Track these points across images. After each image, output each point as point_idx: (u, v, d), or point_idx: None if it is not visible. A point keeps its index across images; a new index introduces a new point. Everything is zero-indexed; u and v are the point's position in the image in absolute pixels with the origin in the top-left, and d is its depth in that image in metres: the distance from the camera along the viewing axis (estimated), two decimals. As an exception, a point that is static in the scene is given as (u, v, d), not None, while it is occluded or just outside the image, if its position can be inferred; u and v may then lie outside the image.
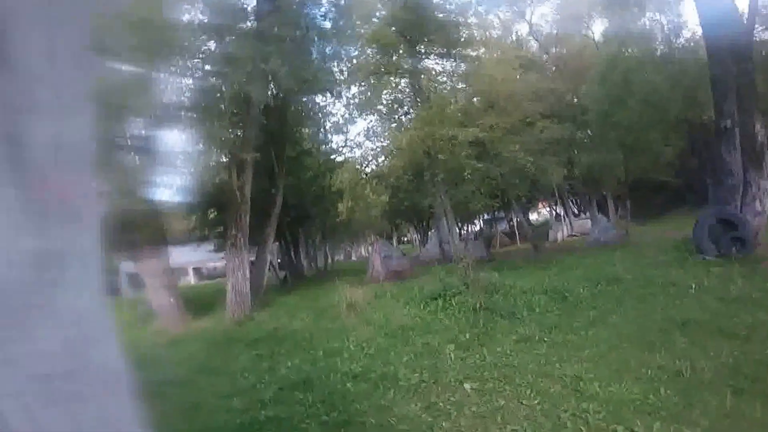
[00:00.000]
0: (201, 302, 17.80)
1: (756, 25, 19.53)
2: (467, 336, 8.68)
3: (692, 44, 20.62)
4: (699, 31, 16.34)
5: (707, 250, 12.49)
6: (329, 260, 42.14)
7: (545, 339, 7.92)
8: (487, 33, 29.74)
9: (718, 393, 4.93)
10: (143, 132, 14.15)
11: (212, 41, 15.18)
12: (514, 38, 35.82)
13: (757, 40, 21.54)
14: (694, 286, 9.60)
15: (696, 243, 12.96)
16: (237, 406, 6.39)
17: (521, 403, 5.45)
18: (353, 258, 57.83)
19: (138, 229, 14.33)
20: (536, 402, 5.40)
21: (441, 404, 5.67)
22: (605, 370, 6.07)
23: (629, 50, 20.32)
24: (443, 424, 5.11)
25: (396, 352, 8.26)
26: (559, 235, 35.78)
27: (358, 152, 25.00)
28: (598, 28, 34.20)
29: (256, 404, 6.37)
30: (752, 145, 12.80)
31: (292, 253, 30.97)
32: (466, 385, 6.13)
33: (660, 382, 5.48)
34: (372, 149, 24.32)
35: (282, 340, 10.72)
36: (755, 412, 4.42)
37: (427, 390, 6.20)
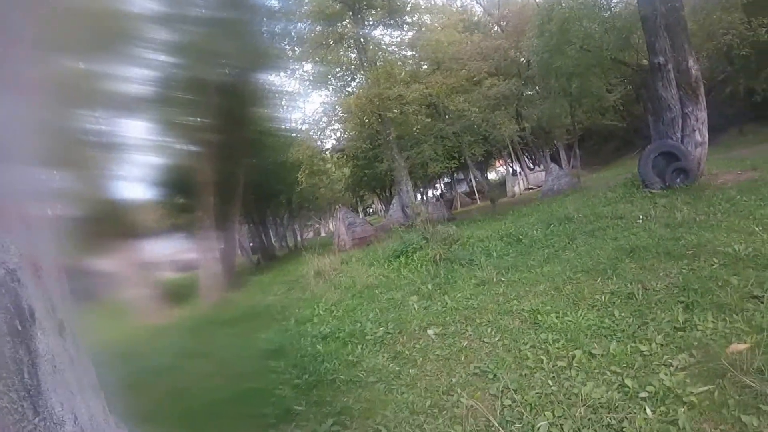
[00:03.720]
0: (178, 292, 17.51)
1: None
2: (429, 287, 8.56)
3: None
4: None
5: (653, 183, 12.48)
6: (298, 238, 41.91)
7: (503, 279, 7.83)
8: (432, 1, 29.48)
9: (670, 309, 4.85)
10: (102, 125, 13.66)
11: (162, 29, 14.69)
12: (458, 4, 35.57)
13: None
14: (641, 217, 9.56)
15: (642, 178, 12.93)
16: (217, 384, 6.18)
17: (483, 341, 5.36)
18: (322, 234, 57.79)
19: (108, 226, 13.93)
20: (497, 339, 5.31)
21: (407, 352, 5.58)
22: (561, 302, 5.98)
23: (564, 2, 20.13)
24: (410, 371, 5.00)
25: (362, 310, 8.15)
26: (516, 189, 35.99)
27: (316, 128, 24.62)
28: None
29: (234, 379, 6.16)
30: (687, 79, 12.74)
31: (263, 234, 30.65)
32: (430, 331, 6.02)
33: (614, 306, 5.41)
34: (328, 123, 23.99)
35: (256, 316, 10.55)
36: (707, 323, 4.33)
37: (393, 341, 6.10)
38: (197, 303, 15.09)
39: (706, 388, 3.36)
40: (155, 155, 16.84)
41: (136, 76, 14.58)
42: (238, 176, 20.01)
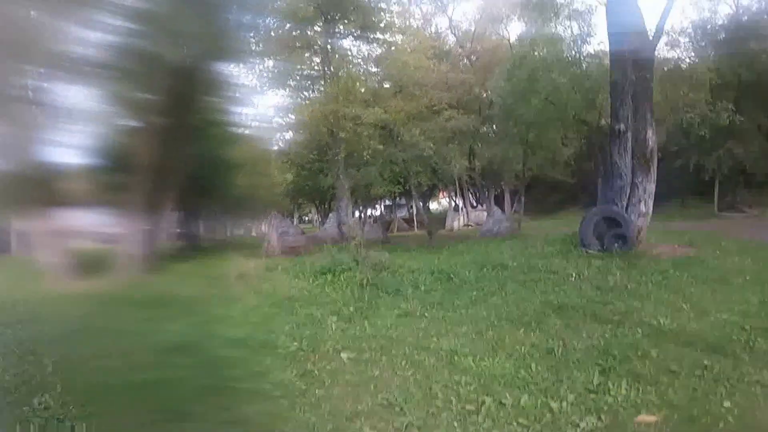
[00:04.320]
0: (95, 265, 16.95)
1: (662, 43, 20.53)
2: (351, 309, 8.50)
3: (598, 53, 21.20)
4: (606, 41, 16.81)
5: (591, 244, 12.85)
6: (228, 233, 41.26)
7: (426, 315, 7.86)
8: (407, 21, 29.74)
9: (587, 371, 4.95)
10: (43, 84, 13.16)
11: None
12: (432, 30, 36.00)
13: (660, 56, 22.65)
14: (574, 275, 9.82)
15: (581, 237, 13.30)
16: (114, 367, 5.94)
17: (396, 373, 5.33)
18: (253, 233, 57.00)
19: (33, 187, 13.39)
20: (410, 373, 5.29)
21: (317, 372, 5.47)
22: (480, 346, 6.02)
23: (538, 51, 20.65)
24: (316, 391, 4.91)
25: (279, 321, 7.98)
26: (456, 224, 36.42)
27: (265, 126, 24.38)
28: (514, 30, 34.78)
29: (134, 366, 5.94)
30: (643, 150, 13.21)
31: (192, 223, 30.00)
32: (343, 355, 5.96)
33: (532, 358, 5.48)
34: (279, 125, 23.84)
35: (169, 304, 10.23)
36: (620, 390, 4.43)
37: (305, 358, 5.98)
38: (110, 278, 14.62)
39: (609, 454, 3.44)
40: (95, 125, 16.31)
41: (88, 38, 14.14)
42: (178, 161, 19.57)
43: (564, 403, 4.26)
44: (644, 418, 3.90)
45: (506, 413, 4.18)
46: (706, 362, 4.94)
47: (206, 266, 16.06)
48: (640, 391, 4.40)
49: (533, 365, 5.25)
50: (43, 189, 14.08)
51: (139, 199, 15.40)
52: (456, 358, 5.61)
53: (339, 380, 5.20)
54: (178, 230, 30.27)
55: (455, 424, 4.02)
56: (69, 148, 15.88)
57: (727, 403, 4.05)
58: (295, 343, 6.48)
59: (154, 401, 4.70)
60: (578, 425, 3.87)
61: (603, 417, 3.98)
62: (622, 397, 4.30)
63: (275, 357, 6.06)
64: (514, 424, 3.98)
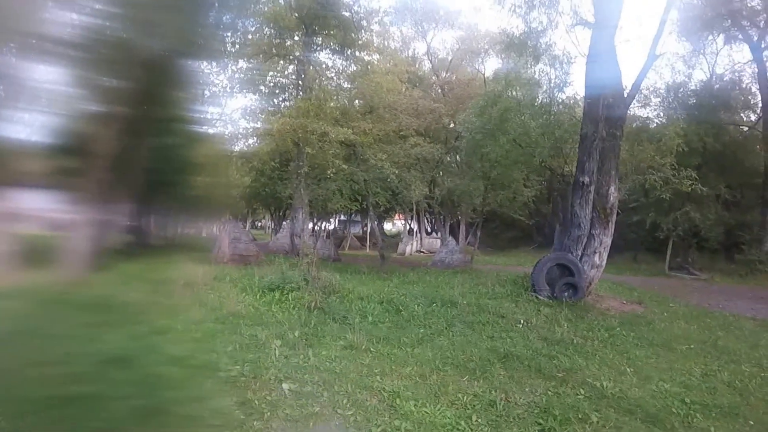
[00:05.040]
0: (38, 254, 16.45)
1: (635, 102, 21.13)
2: (296, 334, 8.41)
3: (571, 102, 21.62)
4: (580, 92, 17.10)
5: (541, 290, 13.03)
6: (179, 232, 40.61)
7: (371, 349, 7.84)
8: (386, 42, 29.94)
9: (527, 429, 5.02)
10: (6, 59, 12.80)
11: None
12: (410, 54, 36.30)
13: (631, 113, 23.28)
14: (522, 322, 9.93)
15: (533, 281, 13.48)
16: (45, 376, 5.74)
17: (336, 411, 5.31)
18: (203, 234, 56.16)
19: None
20: (350, 413, 5.28)
21: (256, 402, 5.40)
22: (423, 391, 6.04)
23: (513, 91, 21.01)
24: (254, 423, 4.88)
25: (222, 341, 7.83)
26: (408, 249, 36.56)
27: (230, 128, 24.19)
28: (490, 66, 35.28)
29: (67, 377, 5.75)
30: (604, 204, 13.51)
31: (143, 218, 29.45)
32: (285, 386, 5.89)
33: (473, 409, 5.53)
34: (245, 128, 23.72)
35: (111, 309, 9.95)
36: (557, 455, 4.48)
37: (246, 385, 5.89)
38: (52, 272, 14.21)
39: None
40: (56, 106, 15.93)
41: (59, 17, 13.84)
42: (137, 153, 19.24)
43: (500, 462, 4.31)
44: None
45: (442, 468, 4.21)
46: (645, 435, 5.05)
47: (153, 268, 15.75)
48: (578, 460, 4.47)
49: (474, 417, 5.31)
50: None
51: (93, 186, 15.03)
52: (398, 401, 5.60)
53: (278, 413, 5.14)
54: (129, 224, 29.69)
55: (391, 475, 4.03)
56: (26, 127, 15.46)
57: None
58: (237, 367, 6.38)
59: (86, 419, 4.58)
60: (512, 489, 3.91)
61: (538, 484, 4.04)
62: (558, 464, 4.37)
63: (215, 380, 5.96)
64: (450, 481, 4.01)
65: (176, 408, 5.09)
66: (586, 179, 13.76)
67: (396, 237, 42.42)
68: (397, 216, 50.61)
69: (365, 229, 45.00)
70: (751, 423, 5.62)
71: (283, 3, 21.40)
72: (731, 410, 5.91)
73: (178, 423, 4.79)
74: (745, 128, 28.88)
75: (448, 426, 5.05)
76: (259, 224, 65.90)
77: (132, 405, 5.04)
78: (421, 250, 36.94)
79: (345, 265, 20.83)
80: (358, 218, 49.62)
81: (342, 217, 49.59)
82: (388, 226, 55.01)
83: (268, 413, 5.13)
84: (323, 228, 43.39)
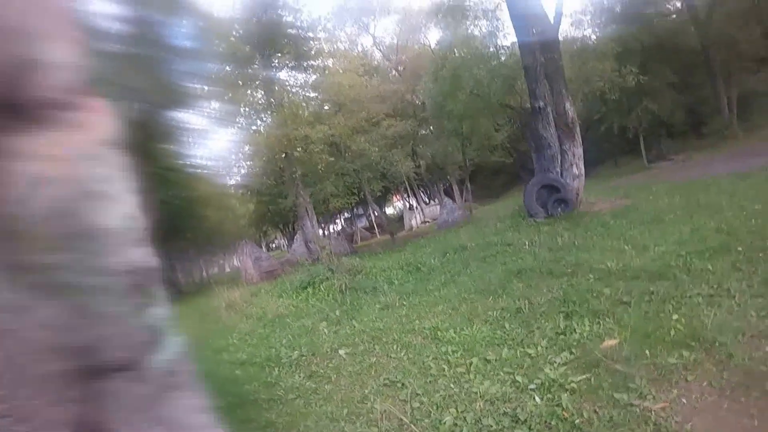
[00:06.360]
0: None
1: (568, 25, 21.39)
2: (337, 313, 8.74)
3: (509, 44, 21.81)
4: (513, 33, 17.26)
5: (537, 213, 13.28)
6: (204, 274, 40.76)
7: (404, 303, 8.15)
8: (335, 46, 30.10)
9: (553, 319, 5.30)
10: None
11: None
12: (359, 49, 36.45)
13: (569, 36, 23.52)
14: (527, 243, 10.17)
15: (527, 208, 13.73)
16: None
17: (390, 357, 5.61)
18: (227, 269, 56.16)
19: None
20: (403, 354, 5.58)
21: (321, 371, 5.73)
22: (458, 319, 6.33)
23: (457, 51, 21.22)
24: (325, 387, 5.18)
25: (276, 337, 8.18)
26: (413, 223, 36.76)
27: (222, 163, 24.42)
28: (433, 37, 35.38)
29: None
30: (564, 120, 13.71)
31: (169, 270, 29.65)
32: (341, 351, 6.20)
33: (504, 320, 5.83)
34: (235, 158, 23.95)
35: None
36: (584, 327, 4.79)
37: (308, 362, 6.22)
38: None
39: (584, 376, 3.78)
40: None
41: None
42: (145, 213, 19.45)
43: (539, 348, 4.63)
44: (608, 342, 4.28)
45: (492, 367, 4.52)
46: (652, 289, 5.34)
47: (194, 306, 16.04)
48: (601, 324, 4.78)
49: (506, 324, 5.62)
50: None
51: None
52: (439, 333, 5.91)
53: (342, 373, 5.47)
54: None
55: (451, 385, 4.34)
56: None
57: (674, 316, 4.44)
58: (296, 352, 6.70)
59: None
60: (554, 362, 4.22)
61: (574, 351, 4.34)
62: (587, 332, 4.68)
63: (281, 367, 6.29)
64: (501, 373, 4.32)
65: (255, 396, 5.40)
66: (541, 103, 14.02)
67: (400, 217, 42.53)
68: (395, 198, 50.74)
69: (370, 218, 45.21)
70: (740, 250, 5.91)
71: (233, 39, 21.58)
72: (722, 248, 6.17)
73: (261, 407, 5.10)
74: (674, 16, 29.01)
75: (487, 338, 5.34)
76: (273, 245, 65.83)
77: (216, 405, 5.33)
78: (426, 220, 37.06)
79: (361, 254, 21.11)
80: (361, 211, 49.78)
81: (346, 215, 49.70)
82: (389, 210, 55.08)
83: (334, 375, 5.46)
84: (332, 229, 43.63)
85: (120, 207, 1.01)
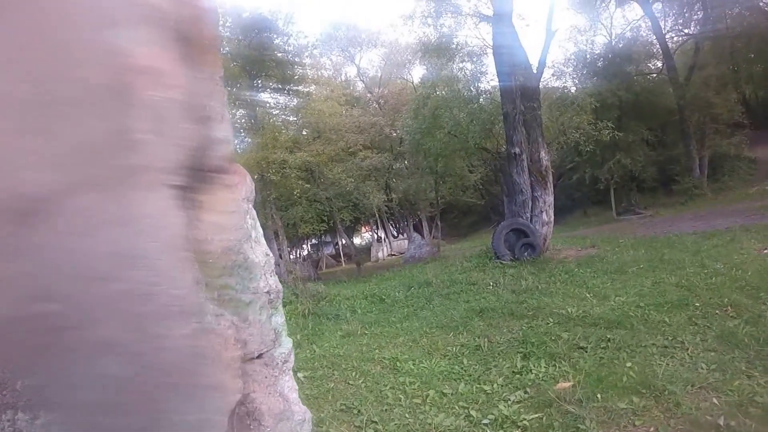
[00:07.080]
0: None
1: (550, 75, 21.90)
2: (298, 337, 8.66)
3: (492, 88, 22.16)
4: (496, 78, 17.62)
5: (503, 255, 13.40)
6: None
7: (366, 332, 8.18)
8: (319, 73, 30.34)
9: (510, 358, 5.41)
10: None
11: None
12: (343, 78, 36.74)
13: (549, 86, 23.99)
14: (492, 284, 10.30)
15: (494, 250, 13.84)
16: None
17: (348, 383, 5.63)
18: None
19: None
20: (361, 381, 5.61)
21: (276, 395, 5.68)
22: (418, 352, 6.40)
23: (439, 91, 21.52)
24: (279, 410, 5.14)
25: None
26: (380, 254, 36.74)
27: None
28: (416, 74, 35.82)
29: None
30: (538, 168, 13.98)
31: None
32: (300, 375, 6.16)
33: (463, 356, 5.91)
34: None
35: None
36: (540, 368, 4.90)
37: (263, 385, 6.17)
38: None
39: (537, 415, 3.87)
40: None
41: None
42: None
43: (495, 385, 4.72)
44: (562, 384, 4.38)
45: (448, 400, 4.59)
46: (609, 336, 5.48)
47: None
48: (557, 367, 4.89)
49: (465, 360, 5.71)
50: None
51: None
52: (398, 364, 5.96)
53: (300, 396, 5.42)
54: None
55: (407, 415, 4.39)
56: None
57: (628, 364, 4.57)
58: (252, 374, 6.63)
59: None
60: (509, 399, 4.30)
61: (528, 390, 4.43)
62: (543, 373, 4.78)
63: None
64: (456, 407, 4.38)
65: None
66: (517, 150, 14.26)
67: (366, 247, 42.49)
68: (363, 229, 50.68)
69: (336, 247, 45.08)
70: (697, 305, 6.08)
71: (222, 57, 21.70)
72: (680, 302, 6.33)
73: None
74: (654, 75, 29.84)
75: (445, 372, 5.42)
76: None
77: None
78: (392, 253, 37.08)
79: (326, 280, 21.03)
80: (329, 239, 49.63)
81: (314, 241, 49.49)
82: (357, 240, 55.01)
83: (290, 398, 5.42)
84: (298, 254, 43.36)
85: (261, 247, 1.46)
